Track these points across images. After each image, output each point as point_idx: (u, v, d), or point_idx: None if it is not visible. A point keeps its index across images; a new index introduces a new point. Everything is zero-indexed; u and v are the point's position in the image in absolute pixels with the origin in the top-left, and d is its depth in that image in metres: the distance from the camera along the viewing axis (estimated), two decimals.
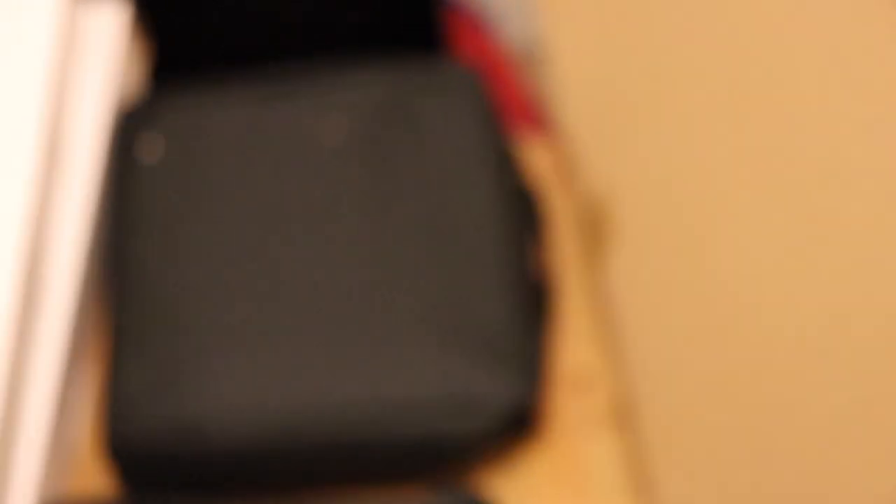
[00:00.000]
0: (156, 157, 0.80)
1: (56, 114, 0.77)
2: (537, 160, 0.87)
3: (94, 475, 0.74)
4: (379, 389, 0.70)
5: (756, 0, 0.57)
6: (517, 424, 0.71)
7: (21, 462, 0.67)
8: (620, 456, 0.73)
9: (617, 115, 0.75)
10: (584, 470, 0.72)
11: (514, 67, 1.22)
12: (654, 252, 0.69)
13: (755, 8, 0.57)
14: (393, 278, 0.74)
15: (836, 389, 0.51)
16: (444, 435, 0.69)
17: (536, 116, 1.18)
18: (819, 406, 0.52)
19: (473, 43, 1.19)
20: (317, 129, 0.80)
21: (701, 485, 0.63)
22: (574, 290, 0.80)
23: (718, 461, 0.61)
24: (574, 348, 0.78)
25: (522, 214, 0.78)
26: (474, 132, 0.80)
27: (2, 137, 0.72)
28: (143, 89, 0.89)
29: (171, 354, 0.72)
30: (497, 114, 0.82)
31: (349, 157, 0.79)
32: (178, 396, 0.70)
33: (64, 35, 0.78)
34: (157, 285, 0.74)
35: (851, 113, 0.49)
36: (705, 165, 0.62)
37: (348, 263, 0.74)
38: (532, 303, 0.74)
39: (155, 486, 0.70)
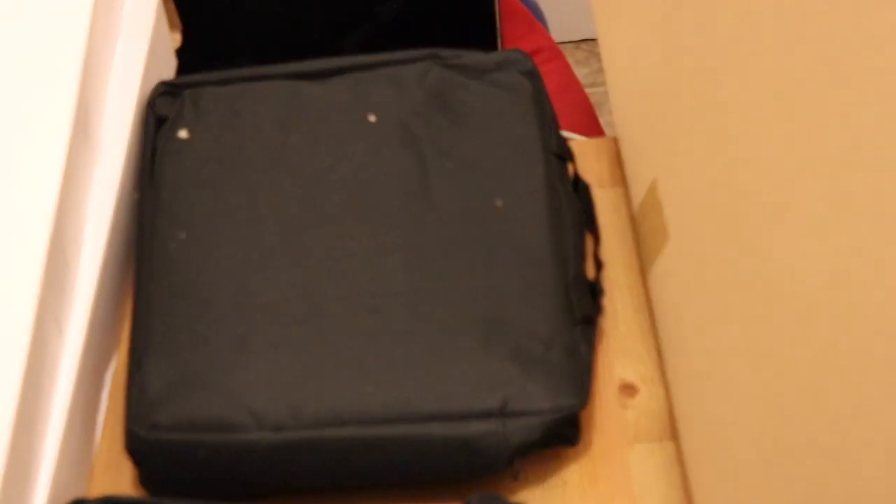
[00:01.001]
0: (190, 133, 0.78)
1: (89, 89, 0.76)
2: (588, 156, 0.85)
3: (117, 474, 0.72)
4: (416, 392, 0.68)
5: None
6: (561, 433, 0.69)
7: (43, 459, 0.66)
8: (667, 467, 0.71)
9: (668, 111, 0.74)
10: (630, 481, 0.71)
11: (565, 62, 1.20)
12: (706, 253, 0.67)
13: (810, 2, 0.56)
14: (435, 273, 0.72)
15: None
16: (484, 442, 0.67)
17: (588, 111, 1.16)
18: (885, 423, 0.50)
19: (526, 36, 1.17)
20: (360, 106, 0.79)
21: (748, 501, 0.61)
22: (623, 292, 0.79)
23: (768, 477, 0.59)
24: (622, 354, 0.76)
25: (575, 211, 0.76)
26: (526, 122, 0.78)
27: (34, 113, 0.72)
28: (176, 66, 0.88)
29: (198, 350, 0.69)
30: (549, 105, 0.80)
31: (393, 138, 0.77)
32: (203, 396, 0.68)
33: (100, 10, 0.78)
34: (186, 273, 0.73)
35: None
36: (761, 164, 0.61)
37: (388, 255, 0.72)
38: (582, 306, 0.72)
39: (176, 488, 0.68)
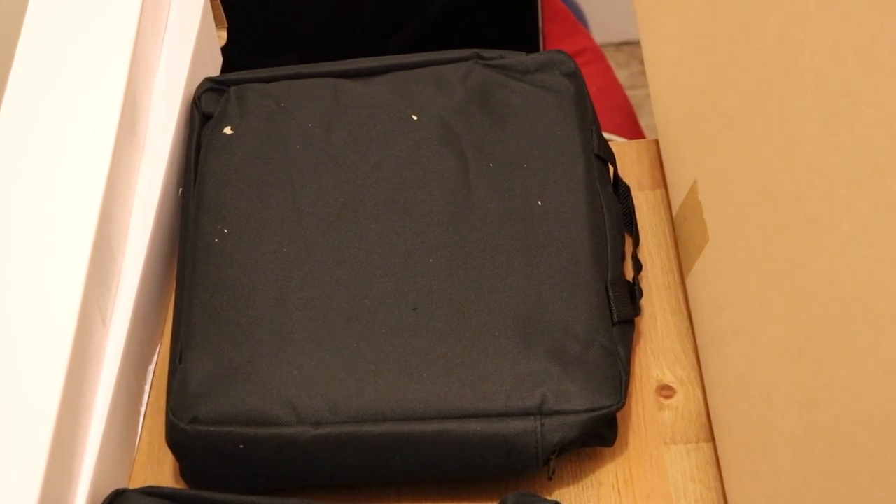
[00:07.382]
0: (234, 129, 0.79)
1: (136, 85, 0.76)
2: (628, 157, 0.85)
3: (158, 466, 0.73)
4: (455, 390, 0.67)
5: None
6: (598, 433, 0.69)
7: (86, 449, 0.67)
8: (703, 469, 0.71)
9: (710, 113, 0.73)
10: (665, 482, 0.71)
11: (607, 64, 1.20)
12: (745, 256, 0.67)
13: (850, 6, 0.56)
14: (475, 272, 0.72)
15: None
16: (522, 440, 0.67)
17: (629, 113, 1.16)
18: None
19: (568, 38, 1.17)
20: (403, 105, 0.79)
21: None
22: (661, 294, 0.79)
23: (805, 480, 0.58)
24: (660, 356, 0.76)
25: (614, 213, 0.76)
26: (567, 123, 0.78)
27: (83, 108, 0.72)
28: (221, 64, 0.89)
29: (239, 344, 0.70)
30: (591, 107, 0.80)
31: (435, 137, 0.78)
32: (244, 389, 0.68)
33: (147, 7, 0.78)
34: (228, 267, 0.73)
35: None
36: (802, 167, 0.60)
37: (429, 253, 0.72)
38: (621, 307, 0.72)
39: (215, 480, 0.68)
